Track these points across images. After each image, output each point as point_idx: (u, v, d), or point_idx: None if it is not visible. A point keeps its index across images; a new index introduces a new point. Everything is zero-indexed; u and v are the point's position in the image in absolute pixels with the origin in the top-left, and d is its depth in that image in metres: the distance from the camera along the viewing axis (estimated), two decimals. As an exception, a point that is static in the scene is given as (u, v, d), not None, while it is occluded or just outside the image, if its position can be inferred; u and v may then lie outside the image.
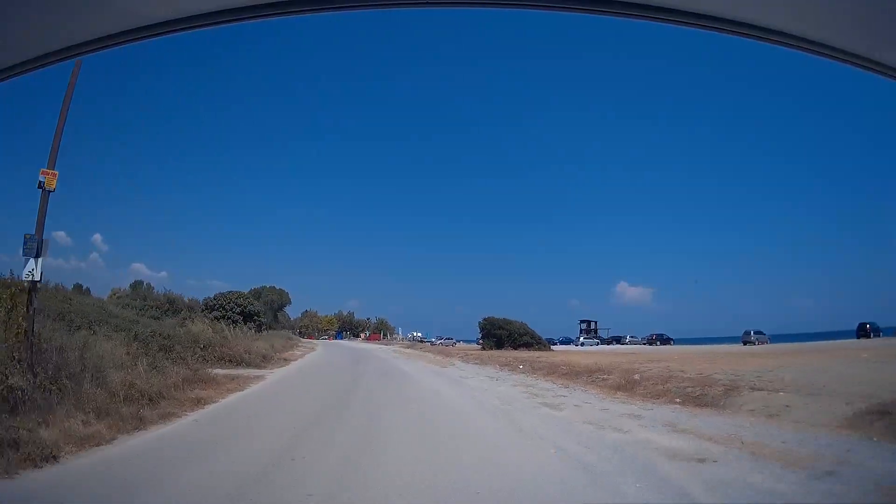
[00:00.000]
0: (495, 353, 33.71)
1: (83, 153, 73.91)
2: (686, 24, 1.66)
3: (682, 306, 67.76)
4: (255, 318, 44.17)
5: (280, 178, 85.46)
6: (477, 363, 27.22)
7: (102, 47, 1.67)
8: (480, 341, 43.47)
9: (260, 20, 1.75)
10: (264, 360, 22.55)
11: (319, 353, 36.35)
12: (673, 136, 77.79)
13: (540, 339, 40.23)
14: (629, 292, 68.66)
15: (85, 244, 75.91)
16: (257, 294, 70.25)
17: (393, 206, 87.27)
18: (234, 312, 41.89)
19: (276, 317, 72.52)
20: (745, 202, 76.30)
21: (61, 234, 67.68)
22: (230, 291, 45.09)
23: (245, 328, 39.76)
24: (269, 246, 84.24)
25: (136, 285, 37.66)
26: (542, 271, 78.68)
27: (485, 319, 40.90)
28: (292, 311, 75.71)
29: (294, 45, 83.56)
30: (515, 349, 36.01)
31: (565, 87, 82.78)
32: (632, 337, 50.43)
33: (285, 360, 25.87)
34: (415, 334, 69.71)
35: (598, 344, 48.29)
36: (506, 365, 24.61)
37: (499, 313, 41.52)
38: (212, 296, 44.25)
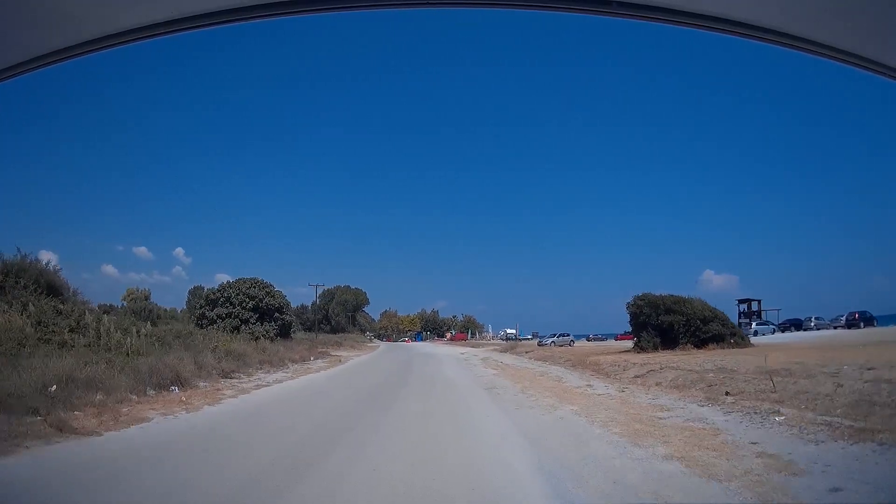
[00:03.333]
0: (683, 358, 18.34)
1: (159, 167, 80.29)
2: (686, 24, 1.62)
3: (770, 291, 67.24)
4: (277, 315, 32.64)
5: (364, 180, 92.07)
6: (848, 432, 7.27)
7: (103, 47, 1.66)
8: (625, 336, 30.33)
9: (277, 18, 1.69)
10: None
11: (326, 377, 20.37)
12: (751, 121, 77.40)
13: (734, 327, 25.43)
14: (715, 280, 67.37)
15: (167, 258, 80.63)
16: (330, 295, 67.55)
17: (473, 206, 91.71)
18: (244, 308, 31.10)
19: (352, 318, 70.43)
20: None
21: (142, 249, 71.45)
22: (240, 279, 32.84)
23: (258, 330, 29.92)
24: (352, 250, 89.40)
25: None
26: (623, 262, 79.71)
27: (639, 299, 25.48)
28: (373, 312, 75.74)
29: (352, 41, 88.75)
30: (700, 346, 22.53)
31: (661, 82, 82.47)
32: (817, 318, 37.35)
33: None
34: (508, 331, 61.90)
35: (773, 331, 35.17)
36: None
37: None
38: (216, 286, 33.11)
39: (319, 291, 61.20)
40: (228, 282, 33.03)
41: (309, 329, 56.98)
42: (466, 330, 70.95)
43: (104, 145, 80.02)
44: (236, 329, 29.38)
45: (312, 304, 64.35)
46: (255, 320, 31.22)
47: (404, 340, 69.66)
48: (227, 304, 31.14)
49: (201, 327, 27.36)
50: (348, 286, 69.61)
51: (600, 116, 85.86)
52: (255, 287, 32.57)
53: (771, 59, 59.58)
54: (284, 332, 33.19)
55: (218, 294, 32.12)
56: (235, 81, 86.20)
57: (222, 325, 29.67)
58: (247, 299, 31.52)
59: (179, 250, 75.96)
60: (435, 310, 77.67)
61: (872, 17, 1.42)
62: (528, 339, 51.75)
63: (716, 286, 67.77)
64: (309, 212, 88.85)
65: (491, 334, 67.93)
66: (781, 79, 72.58)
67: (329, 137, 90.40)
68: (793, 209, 76.11)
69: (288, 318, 34.01)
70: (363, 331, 71.75)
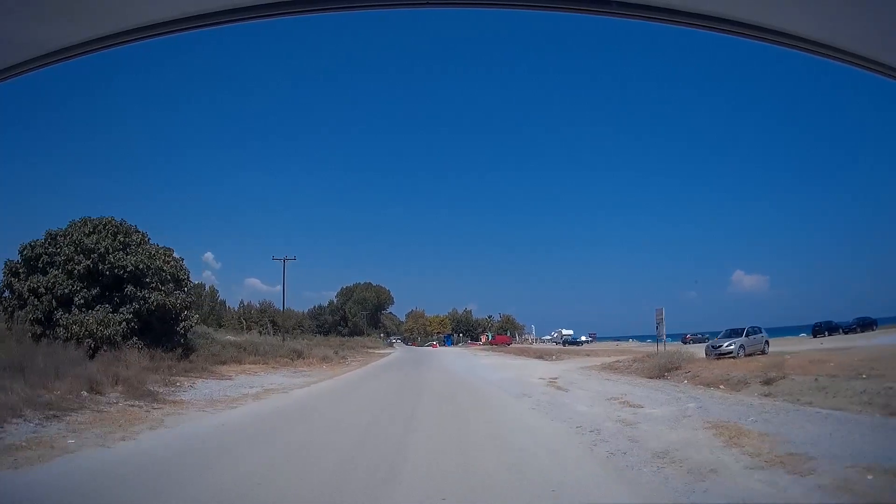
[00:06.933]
0: None
1: (186, 171, 77.99)
2: (686, 24, 1.66)
3: (803, 291, 65.08)
4: (132, 290, 16.75)
5: (402, 179, 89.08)
6: None
7: (103, 47, 1.68)
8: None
9: (272, 19, 1.73)
10: None
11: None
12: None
13: None
14: (746, 281, 65.48)
15: (195, 263, 71.56)
16: (348, 293, 61.08)
17: (505, 208, 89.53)
18: (69, 275, 16.30)
19: (374, 319, 63.90)
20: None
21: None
22: (83, 219, 17.56)
23: (88, 321, 15.67)
24: (381, 250, 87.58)
25: None
26: (652, 264, 78.55)
27: None
28: (400, 313, 70.07)
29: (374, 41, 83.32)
30: None
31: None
32: None
33: None
34: (563, 332, 50.76)
35: None
36: None
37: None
38: (40, 238, 17.28)
39: (326, 282, 56.81)
40: (52, 231, 17.30)
41: (326, 332, 50.89)
42: (505, 332, 60.36)
43: (136, 148, 77.96)
44: (47, 318, 15.82)
45: (331, 305, 59.13)
46: (91, 299, 16.30)
47: (430, 345, 58.33)
48: (49, 267, 16.59)
49: (5, 313, 16.01)
50: (369, 283, 63.46)
51: (621, 119, 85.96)
52: (98, 233, 16.79)
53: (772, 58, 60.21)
54: (162, 329, 17.80)
55: (41, 250, 16.67)
56: (260, 78, 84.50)
57: (39, 306, 16.02)
58: (79, 255, 16.31)
59: (209, 255, 69.66)
60: (468, 309, 68.81)
61: (872, 16, 1.44)
62: (588, 340, 44.93)
63: (746, 286, 66.17)
64: (335, 211, 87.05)
65: (533, 337, 58.65)
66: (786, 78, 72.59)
67: (356, 135, 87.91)
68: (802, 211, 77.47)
69: (158, 297, 17.28)
70: (388, 333, 65.99)
